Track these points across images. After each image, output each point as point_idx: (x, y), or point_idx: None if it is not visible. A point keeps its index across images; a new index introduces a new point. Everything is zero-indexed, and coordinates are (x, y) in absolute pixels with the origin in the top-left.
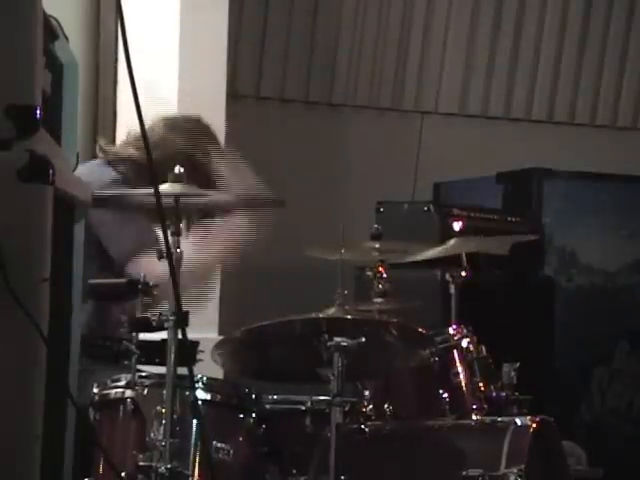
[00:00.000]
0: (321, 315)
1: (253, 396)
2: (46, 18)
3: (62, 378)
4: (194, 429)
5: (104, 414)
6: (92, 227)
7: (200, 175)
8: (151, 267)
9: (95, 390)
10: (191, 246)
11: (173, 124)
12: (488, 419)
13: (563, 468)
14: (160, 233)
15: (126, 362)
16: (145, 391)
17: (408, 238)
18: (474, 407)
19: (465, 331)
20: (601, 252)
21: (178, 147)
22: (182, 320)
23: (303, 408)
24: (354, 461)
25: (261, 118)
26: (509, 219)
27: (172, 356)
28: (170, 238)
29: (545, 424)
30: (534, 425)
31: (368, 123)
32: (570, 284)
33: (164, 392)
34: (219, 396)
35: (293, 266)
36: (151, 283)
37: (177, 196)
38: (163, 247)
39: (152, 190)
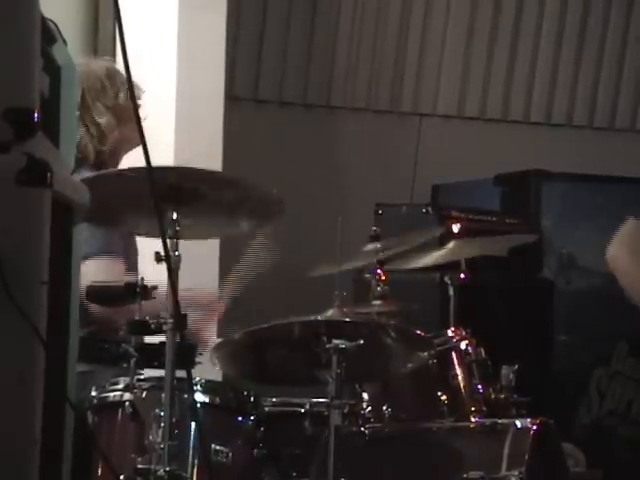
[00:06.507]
0: (319, 317)
1: (252, 399)
2: (44, 21)
3: (60, 381)
4: (193, 432)
5: (103, 417)
6: None
7: None
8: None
9: (94, 393)
10: None
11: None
12: (488, 421)
13: (563, 470)
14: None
15: (125, 365)
16: (144, 394)
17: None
18: (472, 409)
19: (464, 333)
20: (599, 254)
21: None
22: (180, 323)
23: (302, 410)
24: (353, 463)
25: (259, 121)
26: (507, 221)
27: (170, 359)
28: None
29: (545, 426)
30: (534, 427)
31: (366, 125)
32: (569, 286)
33: (163, 395)
34: (218, 399)
35: (292, 268)
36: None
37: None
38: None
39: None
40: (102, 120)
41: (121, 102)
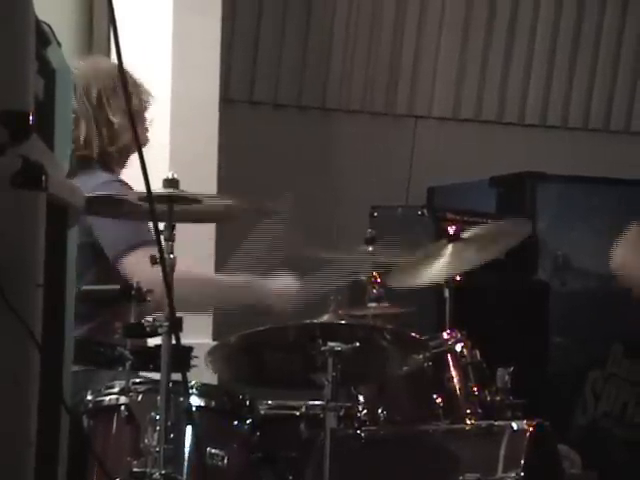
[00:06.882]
0: (315, 320)
1: (247, 402)
2: (38, 23)
3: (56, 384)
4: (188, 435)
5: (98, 420)
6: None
7: None
8: (143, 269)
9: (89, 397)
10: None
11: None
12: (484, 423)
13: (559, 472)
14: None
15: (120, 368)
16: (139, 397)
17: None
18: (468, 412)
19: (459, 335)
20: (595, 256)
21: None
22: (176, 326)
23: (297, 413)
24: (349, 466)
25: (254, 123)
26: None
27: (166, 362)
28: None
29: (541, 428)
30: (530, 429)
31: (361, 127)
32: (564, 288)
33: (158, 398)
34: (213, 402)
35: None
36: (144, 288)
37: (170, 200)
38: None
39: (145, 194)
40: (117, 120)
41: (133, 104)
